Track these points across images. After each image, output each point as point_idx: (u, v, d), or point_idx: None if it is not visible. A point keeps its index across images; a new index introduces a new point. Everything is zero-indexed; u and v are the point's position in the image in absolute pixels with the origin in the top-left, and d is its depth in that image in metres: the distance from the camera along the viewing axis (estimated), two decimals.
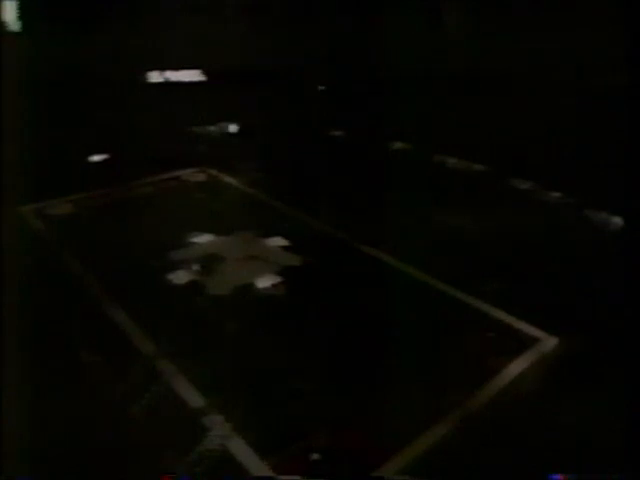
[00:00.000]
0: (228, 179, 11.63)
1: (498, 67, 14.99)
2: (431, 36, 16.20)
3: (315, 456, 4.73)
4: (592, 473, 4.19)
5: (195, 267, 7.82)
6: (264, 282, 7.48)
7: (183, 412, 5.21)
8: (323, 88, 15.65)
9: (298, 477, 4.40)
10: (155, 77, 17.32)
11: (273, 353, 6.10)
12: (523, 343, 6.36)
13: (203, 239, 8.78)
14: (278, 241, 8.69)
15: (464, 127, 13.16)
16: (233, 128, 14.86)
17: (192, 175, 11.79)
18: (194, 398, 5.36)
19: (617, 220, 9.23)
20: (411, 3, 15.14)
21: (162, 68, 17.19)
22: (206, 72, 17.52)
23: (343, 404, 5.38)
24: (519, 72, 14.80)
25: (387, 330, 6.40)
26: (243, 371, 5.78)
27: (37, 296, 6.60)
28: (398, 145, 13.37)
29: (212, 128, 14.81)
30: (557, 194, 10.69)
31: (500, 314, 6.88)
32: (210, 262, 7.93)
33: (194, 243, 8.66)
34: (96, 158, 12.20)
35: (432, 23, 16.52)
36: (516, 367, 5.95)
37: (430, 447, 4.87)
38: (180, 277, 7.60)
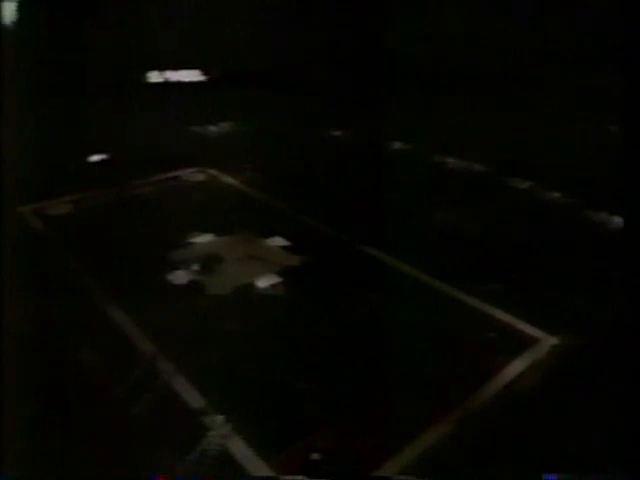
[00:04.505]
0: (228, 179, 11.63)
1: (498, 66, 15.00)
2: (432, 34, 16.19)
3: (315, 456, 4.73)
4: (592, 473, 4.18)
5: (195, 267, 7.82)
6: (264, 282, 7.48)
7: (183, 412, 5.20)
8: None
9: (301, 477, 4.40)
10: (155, 77, 17.31)
11: (273, 353, 6.10)
12: (523, 343, 6.36)
13: (203, 239, 8.79)
14: (278, 241, 8.69)
15: (464, 127, 13.16)
16: (232, 128, 14.85)
17: (192, 175, 11.79)
18: (194, 398, 5.36)
19: (617, 220, 9.23)
20: (412, 2, 15.14)
21: (162, 68, 17.18)
22: (206, 72, 17.52)
23: (343, 404, 5.38)
24: (519, 71, 14.80)
25: (387, 330, 6.40)
26: (243, 371, 5.78)
27: (37, 296, 6.60)
28: (398, 145, 13.38)
29: (212, 128, 14.81)
30: (557, 194, 10.69)
31: (500, 314, 6.88)
32: (210, 262, 7.93)
33: (194, 243, 8.66)
34: (96, 158, 12.20)
35: (433, 21, 16.51)
36: (516, 367, 5.95)
37: (430, 447, 4.87)
38: (180, 277, 7.60)
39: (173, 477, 4.44)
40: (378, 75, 15.91)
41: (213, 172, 11.95)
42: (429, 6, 16.13)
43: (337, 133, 14.48)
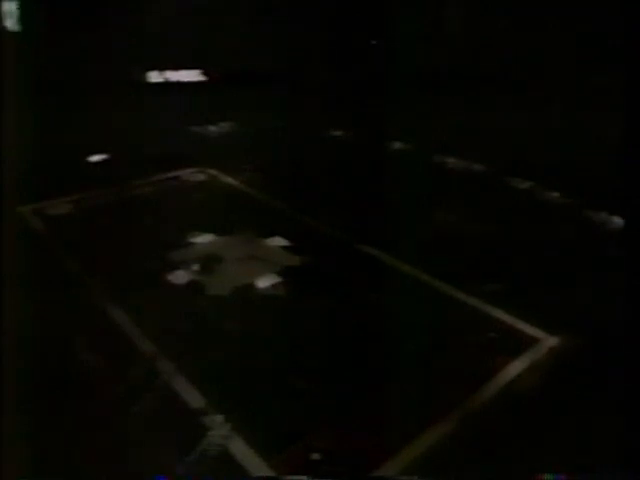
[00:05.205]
0: (228, 179, 11.63)
1: (498, 66, 15.01)
2: (432, 34, 16.20)
3: (315, 456, 4.73)
4: (592, 473, 4.18)
5: (195, 267, 7.82)
6: (264, 282, 7.48)
7: (183, 412, 5.20)
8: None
9: (304, 477, 4.40)
10: (155, 77, 17.32)
11: (273, 353, 6.10)
12: (523, 343, 6.36)
13: (203, 239, 8.79)
14: (278, 241, 8.69)
15: (464, 127, 13.16)
16: (232, 128, 14.85)
17: (192, 175, 11.79)
18: (194, 398, 5.36)
19: (617, 220, 9.23)
20: (412, 2, 15.14)
21: (162, 68, 17.19)
22: (206, 72, 17.52)
23: (343, 404, 5.38)
24: (519, 71, 14.81)
25: (387, 330, 6.40)
26: (243, 371, 5.79)
27: (37, 296, 6.60)
28: (398, 145, 13.37)
29: (212, 128, 14.81)
30: (557, 194, 10.69)
31: (500, 314, 6.88)
32: (210, 262, 7.93)
33: (194, 243, 8.66)
34: (96, 158, 12.19)
35: (433, 21, 16.53)
36: (516, 367, 5.95)
37: (430, 447, 4.87)
38: (180, 277, 7.60)
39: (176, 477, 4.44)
40: (378, 75, 15.91)
41: (213, 172, 11.94)
42: (429, 6, 16.13)
43: (337, 133, 14.48)
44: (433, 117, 13.28)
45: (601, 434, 4.85)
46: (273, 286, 7.44)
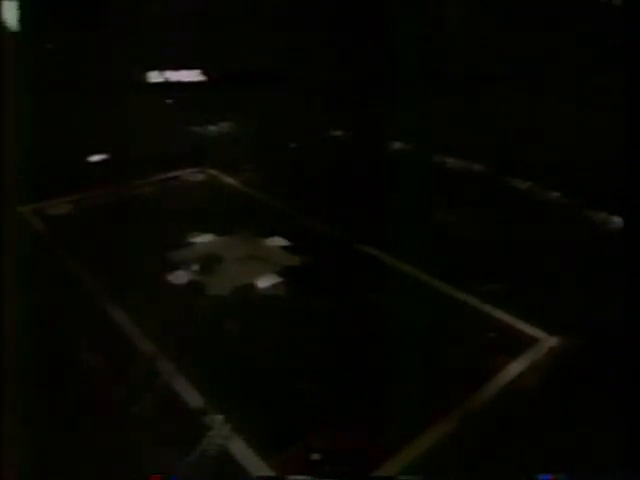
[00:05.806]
0: (228, 179, 11.63)
1: (498, 65, 15.02)
2: (432, 35, 16.20)
3: (315, 456, 4.73)
4: (592, 473, 4.18)
5: (195, 267, 7.82)
6: (264, 282, 7.48)
7: (183, 412, 5.20)
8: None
9: (304, 477, 4.40)
10: (155, 77, 17.32)
11: (273, 353, 6.10)
12: (523, 343, 6.36)
13: (203, 239, 8.78)
14: (278, 241, 8.69)
15: (464, 127, 13.16)
16: (232, 128, 14.85)
17: (192, 175, 11.79)
18: (194, 398, 5.36)
19: (617, 220, 9.23)
20: (412, 2, 15.14)
21: (162, 68, 17.19)
22: (206, 72, 17.53)
23: (343, 404, 5.38)
24: (519, 71, 14.82)
25: (387, 330, 6.40)
26: (243, 371, 5.78)
27: (37, 296, 6.60)
28: (398, 145, 13.37)
29: (212, 128, 14.81)
30: (557, 194, 10.69)
31: (500, 314, 6.88)
32: (210, 262, 7.92)
33: (194, 243, 8.66)
34: (96, 158, 12.19)
35: (433, 21, 16.53)
36: (516, 367, 5.95)
37: (430, 447, 4.87)
38: (180, 277, 7.60)
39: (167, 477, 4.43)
40: (378, 75, 15.91)
41: (213, 172, 11.94)
42: (429, 6, 16.13)
43: (337, 133, 14.48)
44: (433, 117, 13.27)
45: (601, 434, 4.85)
46: (273, 286, 7.44)
